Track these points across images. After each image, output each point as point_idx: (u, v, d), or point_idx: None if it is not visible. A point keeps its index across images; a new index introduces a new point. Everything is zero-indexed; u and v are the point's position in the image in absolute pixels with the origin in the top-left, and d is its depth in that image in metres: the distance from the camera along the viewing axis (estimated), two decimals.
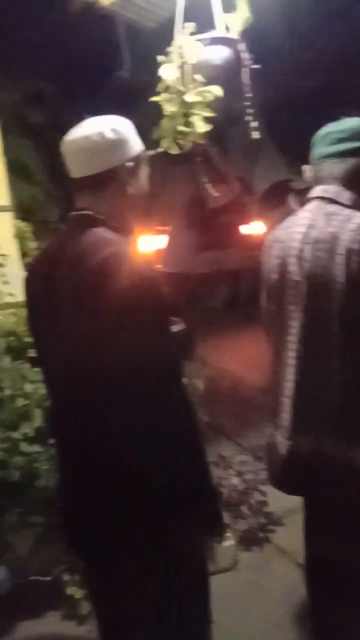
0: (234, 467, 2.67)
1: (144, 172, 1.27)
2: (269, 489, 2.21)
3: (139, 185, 1.25)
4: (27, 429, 2.26)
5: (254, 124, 1.79)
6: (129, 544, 1.19)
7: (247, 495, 2.57)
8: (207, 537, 1.30)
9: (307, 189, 2.74)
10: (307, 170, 1.46)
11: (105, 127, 1.18)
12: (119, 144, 1.19)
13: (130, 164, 1.22)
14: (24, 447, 2.21)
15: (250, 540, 2.44)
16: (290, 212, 2.82)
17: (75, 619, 2.09)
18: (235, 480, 2.62)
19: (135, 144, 1.24)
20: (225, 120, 2.30)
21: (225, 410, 3.41)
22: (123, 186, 1.21)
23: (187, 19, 1.79)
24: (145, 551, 1.19)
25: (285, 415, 1.42)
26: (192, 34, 1.76)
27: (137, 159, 1.24)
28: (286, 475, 1.47)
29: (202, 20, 1.79)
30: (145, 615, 1.29)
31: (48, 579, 2.10)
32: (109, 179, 1.20)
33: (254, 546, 2.42)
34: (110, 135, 1.18)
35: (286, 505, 2.39)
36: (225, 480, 2.58)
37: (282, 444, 1.43)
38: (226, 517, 2.42)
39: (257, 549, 2.41)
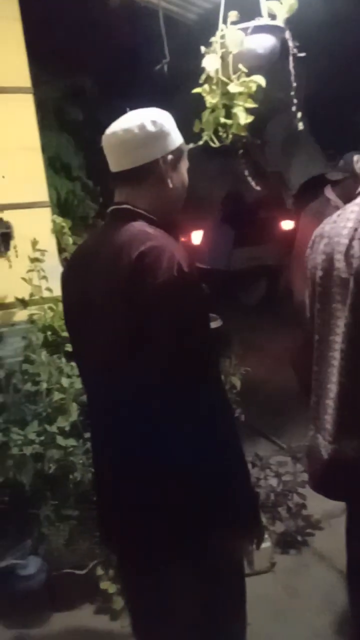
0: (272, 467, 2.62)
1: (184, 165, 1.25)
2: (308, 492, 2.15)
3: (178, 179, 1.23)
4: (63, 422, 2.28)
5: (299, 114, 1.73)
6: (164, 542, 1.18)
7: (285, 497, 2.52)
8: (245, 538, 1.27)
9: (344, 180, 2.63)
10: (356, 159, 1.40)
11: (146, 120, 1.17)
12: (159, 136, 1.17)
13: (170, 156, 1.19)
14: (60, 440, 2.23)
15: (287, 543, 2.39)
16: (327, 204, 2.72)
17: (109, 613, 2.10)
18: (273, 482, 2.57)
19: (176, 137, 1.22)
20: (267, 111, 2.24)
21: (262, 408, 3.36)
22: (163, 179, 1.18)
23: (231, 7, 1.74)
24: (180, 549, 1.17)
25: (328, 418, 1.36)
26: (235, 22, 1.71)
27: (177, 152, 1.21)
28: (327, 480, 1.43)
29: (247, 9, 1.74)
30: (179, 614, 1.28)
31: (82, 572, 2.11)
32: (148, 172, 1.18)
33: (291, 549, 2.37)
34: (150, 127, 1.16)
35: (326, 508, 2.33)
36: (262, 481, 2.54)
37: (324, 447, 1.38)
38: (263, 519, 2.38)
39: (295, 553, 2.36)
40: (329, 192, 2.69)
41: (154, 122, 1.17)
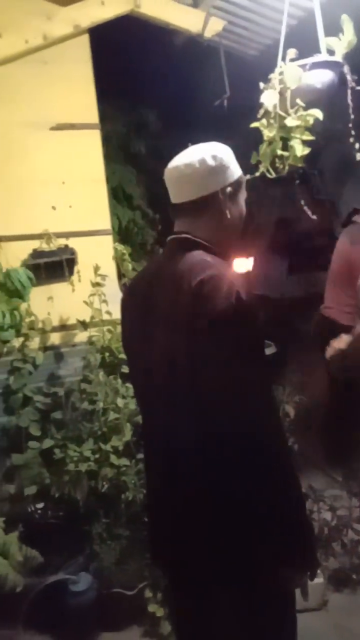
0: (326, 500, 2.53)
1: (242, 197, 1.28)
2: None
3: (237, 210, 1.26)
4: (117, 442, 2.34)
5: (357, 145, 1.75)
6: (217, 568, 1.17)
7: (339, 532, 2.43)
8: (299, 569, 1.23)
9: None
10: None
11: (206, 154, 1.22)
12: (218, 170, 1.22)
13: (229, 189, 1.23)
14: (114, 459, 2.29)
15: (341, 580, 2.30)
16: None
17: (156, 637, 2.09)
18: (326, 515, 2.48)
19: (235, 170, 1.26)
20: (323, 143, 2.28)
21: (316, 438, 3.27)
22: (221, 210, 1.22)
23: (291, 45, 1.81)
24: (233, 576, 1.16)
25: None
26: (294, 59, 1.77)
27: (235, 184, 1.25)
28: None
29: (307, 44, 1.79)
30: None
31: (131, 592, 2.13)
32: (207, 204, 1.23)
33: (345, 588, 2.28)
34: (210, 162, 1.21)
35: None
36: (315, 514, 2.46)
37: None
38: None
39: (349, 592, 2.27)
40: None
41: (214, 157, 1.22)
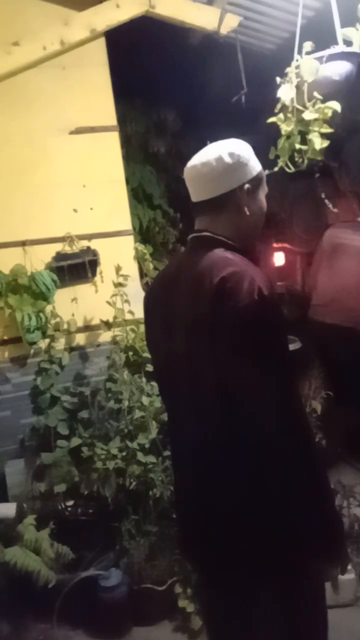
0: (356, 496, 2.51)
1: (262, 193, 1.28)
2: None
3: (257, 206, 1.26)
4: (143, 439, 2.36)
5: None
6: (247, 563, 1.17)
7: None
8: (328, 566, 1.23)
9: None
10: None
11: (224, 152, 1.22)
12: (237, 167, 1.22)
13: (248, 185, 1.23)
14: (140, 456, 2.31)
15: None
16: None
17: (187, 632, 2.11)
18: (357, 511, 2.45)
19: (253, 166, 1.25)
20: (344, 134, 2.25)
21: (345, 434, 3.23)
22: (241, 207, 1.22)
23: (308, 37, 1.79)
24: (262, 573, 1.17)
25: None
26: (311, 52, 1.76)
27: (254, 181, 1.25)
28: None
29: (324, 37, 1.78)
30: (259, 638, 1.27)
31: (161, 588, 2.15)
32: (226, 201, 1.23)
33: None
34: (228, 159, 1.21)
35: None
36: (345, 510, 2.44)
37: None
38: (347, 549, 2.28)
39: None
40: None
41: (231, 154, 1.22)
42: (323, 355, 2.24)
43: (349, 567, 2.15)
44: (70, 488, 2.43)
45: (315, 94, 1.72)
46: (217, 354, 1.12)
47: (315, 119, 1.69)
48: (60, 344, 2.80)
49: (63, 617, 2.15)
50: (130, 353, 2.72)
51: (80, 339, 2.87)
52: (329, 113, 1.70)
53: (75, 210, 2.85)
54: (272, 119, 1.83)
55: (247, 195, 1.23)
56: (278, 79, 1.81)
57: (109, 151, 2.91)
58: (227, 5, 2.86)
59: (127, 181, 3.07)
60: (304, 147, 1.76)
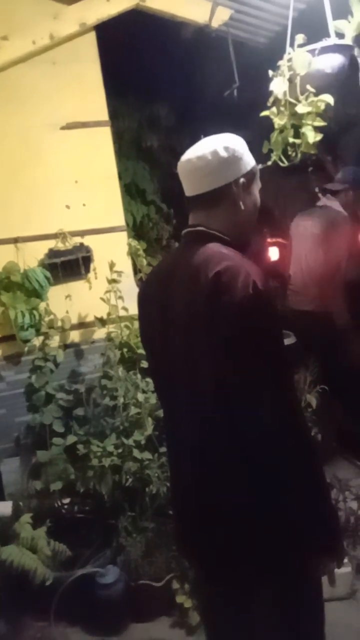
0: (352, 490, 2.52)
1: (256, 187, 1.28)
2: None
3: (251, 200, 1.26)
4: (139, 436, 2.36)
5: None
6: (242, 559, 1.18)
7: None
8: (324, 560, 1.23)
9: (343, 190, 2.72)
10: None
11: (218, 146, 1.21)
12: (231, 161, 1.21)
13: (242, 180, 1.23)
14: (136, 453, 2.31)
15: None
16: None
17: (185, 628, 2.12)
18: (353, 505, 2.46)
19: (248, 160, 1.25)
20: (338, 128, 2.25)
21: (340, 428, 3.25)
22: (236, 201, 1.22)
23: (300, 29, 1.78)
24: (258, 568, 1.17)
25: None
26: (303, 45, 1.75)
27: (249, 175, 1.24)
28: None
29: (316, 29, 1.76)
30: (256, 632, 1.27)
31: (159, 584, 2.15)
32: (221, 196, 1.22)
33: None
34: (223, 153, 1.21)
35: None
36: (341, 503, 2.45)
37: None
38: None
39: None
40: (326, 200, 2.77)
41: (226, 148, 1.21)
42: (306, 346, 2.25)
43: (345, 560, 2.16)
44: (67, 486, 2.42)
45: (308, 87, 1.71)
46: (213, 348, 1.12)
47: (309, 112, 1.68)
48: (55, 341, 2.78)
49: (60, 615, 2.15)
50: (125, 350, 2.71)
51: (74, 336, 2.86)
52: (322, 106, 1.69)
53: (67, 207, 2.83)
54: (264, 113, 1.82)
55: (242, 190, 1.23)
56: (270, 72, 1.80)
57: (101, 147, 2.88)
58: None
59: (120, 177, 3.05)
60: (297, 141, 1.75)
